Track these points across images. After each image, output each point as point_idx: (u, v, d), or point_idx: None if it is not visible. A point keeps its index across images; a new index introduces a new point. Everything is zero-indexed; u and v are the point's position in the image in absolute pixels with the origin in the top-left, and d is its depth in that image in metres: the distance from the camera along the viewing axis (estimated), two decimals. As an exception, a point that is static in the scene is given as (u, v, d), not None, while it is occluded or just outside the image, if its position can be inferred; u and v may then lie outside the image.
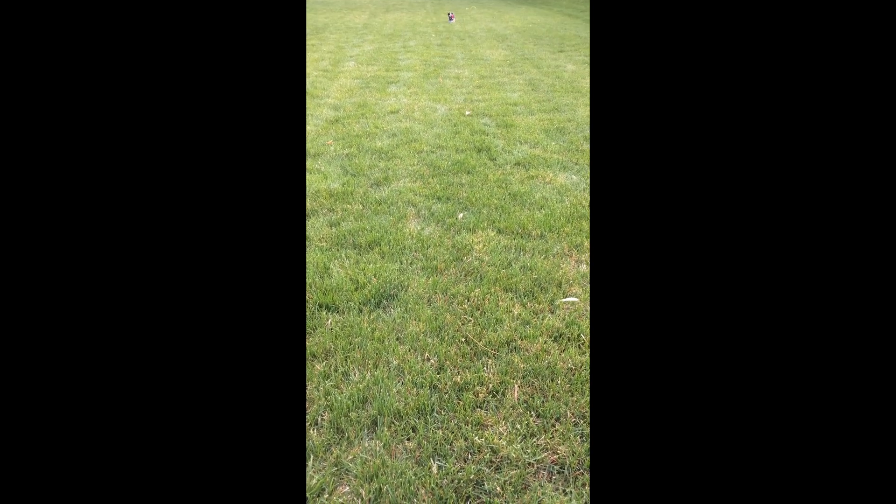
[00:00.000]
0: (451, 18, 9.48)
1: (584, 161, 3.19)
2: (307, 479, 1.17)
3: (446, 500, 1.13)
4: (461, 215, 2.48)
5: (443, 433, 1.29)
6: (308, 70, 5.74)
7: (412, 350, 1.59)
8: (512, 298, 1.85)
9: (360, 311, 1.78)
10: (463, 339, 1.64)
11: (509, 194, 2.70)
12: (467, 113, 4.19)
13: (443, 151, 3.32)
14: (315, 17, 10.43)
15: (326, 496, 1.14)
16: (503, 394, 1.42)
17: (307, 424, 1.32)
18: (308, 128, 3.80)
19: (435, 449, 1.25)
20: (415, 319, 1.73)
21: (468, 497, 1.15)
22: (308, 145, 3.45)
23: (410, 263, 2.07)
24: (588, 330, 1.68)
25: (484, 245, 2.21)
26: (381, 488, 1.15)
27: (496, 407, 1.38)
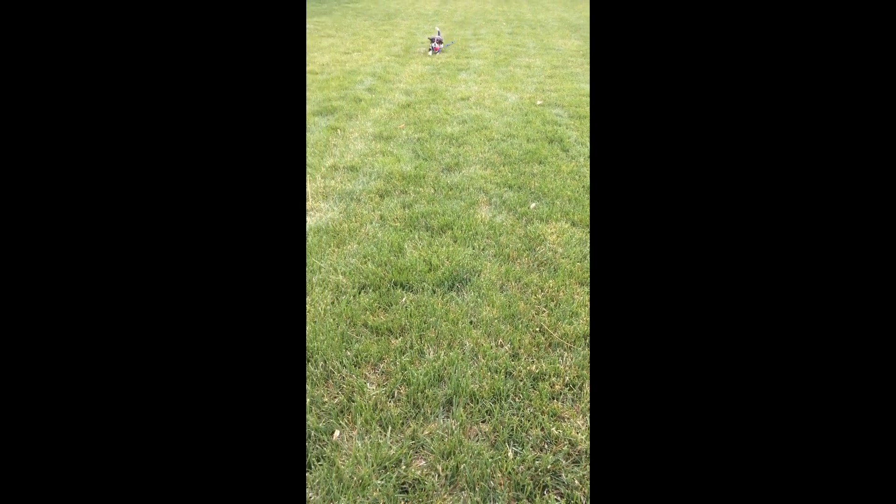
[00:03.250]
0: (434, 48, 5.81)
1: (664, 157, 3.04)
2: (385, 448, 1.20)
3: (524, 486, 1.12)
4: (533, 205, 2.44)
5: (518, 420, 1.28)
6: (380, 55, 5.82)
7: (486, 335, 1.59)
8: (588, 292, 1.80)
9: (434, 292, 1.80)
10: (537, 329, 1.61)
11: (583, 187, 2.62)
12: (539, 103, 4.10)
13: (514, 140, 3.27)
14: (387, 4, 10.56)
15: (404, 468, 1.16)
16: (580, 387, 1.39)
17: (385, 396, 1.35)
18: (380, 111, 3.86)
19: (510, 435, 1.25)
20: (488, 305, 1.72)
21: (545, 486, 1.13)
22: (381, 128, 3.50)
23: (483, 249, 2.06)
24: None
25: (557, 236, 2.16)
26: (458, 466, 1.16)
27: (573, 400, 1.35)
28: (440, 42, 5.92)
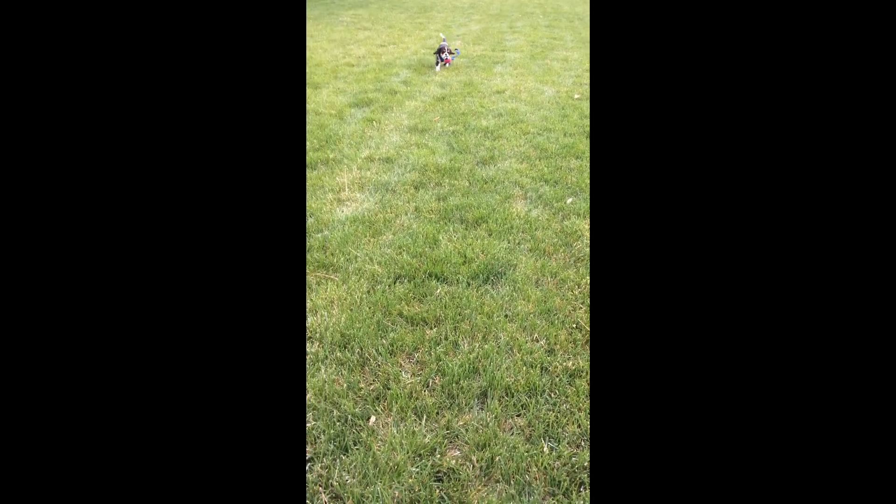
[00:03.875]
0: (445, 60, 4.67)
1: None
2: (420, 437, 1.21)
3: (559, 482, 1.11)
4: (570, 200, 2.39)
5: (555, 416, 1.26)
6: (416, 47, 5.82)
7: (521, 329, 1.57)
8: (626, 290, 1.76)
9: (469, 284, 1.79)
10: (574, 326, 1.58)
11: (622, 183, 2.56)
12: (576, 97, 4.01)
13: (550, 134, 3.22)
14: (422, -3, 10.55)
15: (438, 456, 1.17)
16: (618, 386, 1.36)
17: (420, 385, 1.36)
18: (415, 103, 3.87)
19: (546, 430, 1.23)
20: (523, 299, 1.71)
21: (582, 483, 1.11)
22: (416, 121, 3.51)
23: (518, 244, 2.04)
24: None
25: (595, 232, 2.12)
26: (493, 458, 1.16)
27: (610, 398, 1.32)
28: (450, 52, 4.71)
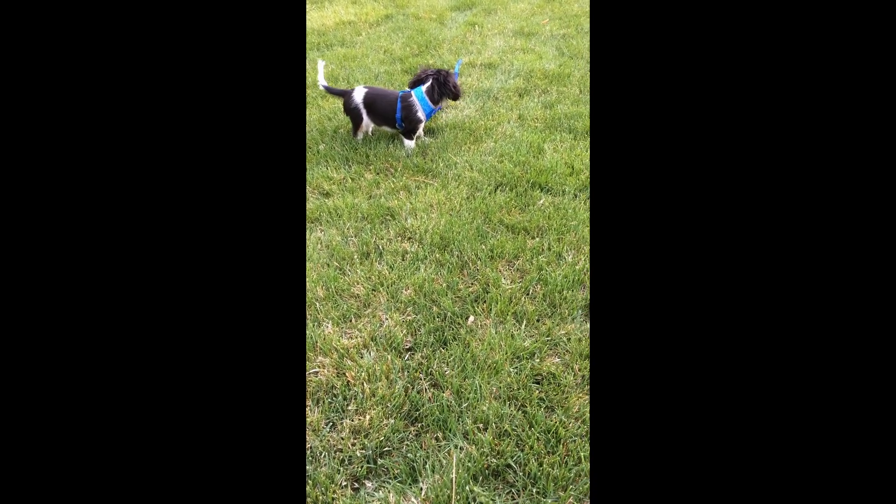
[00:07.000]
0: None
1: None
2: (519, 340, 1.18)
3: (671, 401, 1.03)
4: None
5: (668, 335, 1.16)
6: (524, -57, 5.21)
7: (633, 245, 1.43)
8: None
9: (575, 196, 1.66)
10: (696, 246, 1.41)
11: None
12: None
13: (679, 37, 2.77)
14: None
15: (538, 361, 1.14)
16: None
17: (520, 292, 1.31)
18: (522, 6, 3.51)
19: (657, 349, 1.14)
20: (637, 215, 1.54)
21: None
22: (521, 24, 3.20)
23: (634, 156, 1.83)
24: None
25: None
26: (597, 369, 1.10)
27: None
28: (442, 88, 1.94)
